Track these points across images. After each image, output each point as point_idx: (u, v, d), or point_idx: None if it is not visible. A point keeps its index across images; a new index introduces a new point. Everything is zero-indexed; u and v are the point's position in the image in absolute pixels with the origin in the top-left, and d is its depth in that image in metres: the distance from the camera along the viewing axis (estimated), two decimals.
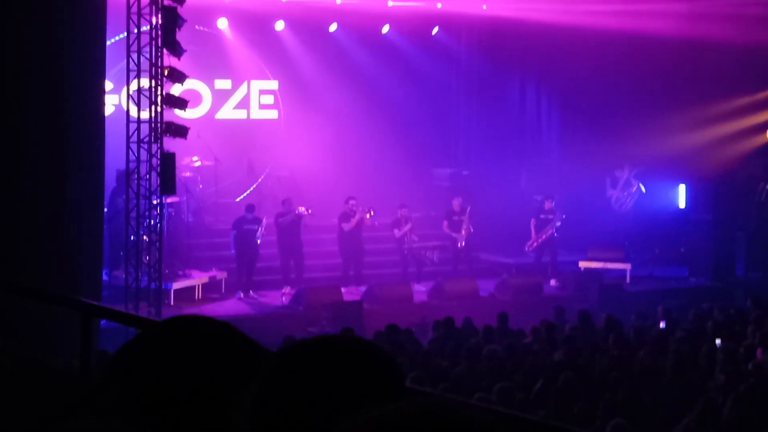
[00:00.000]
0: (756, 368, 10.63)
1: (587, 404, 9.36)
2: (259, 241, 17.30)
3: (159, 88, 13.99)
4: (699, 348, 11.55)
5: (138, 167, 13.96)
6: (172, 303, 16.08)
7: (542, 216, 19.37)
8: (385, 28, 21.55)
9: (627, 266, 19.37)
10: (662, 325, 13.86)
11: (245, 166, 20.04)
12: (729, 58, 20.25)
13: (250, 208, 17.44)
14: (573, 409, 9.27)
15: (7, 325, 9.50)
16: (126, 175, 14.21)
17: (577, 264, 19.39)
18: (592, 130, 21.58)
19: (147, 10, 13.92)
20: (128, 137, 13.97)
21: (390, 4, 21.21)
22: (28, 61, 11.51)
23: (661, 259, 20.46)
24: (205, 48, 19.68)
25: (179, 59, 14.39)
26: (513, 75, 22.57)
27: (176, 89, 14.90)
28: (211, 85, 20.44)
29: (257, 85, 21.09)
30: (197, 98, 19.63)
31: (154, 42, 13.91)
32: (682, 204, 21.13)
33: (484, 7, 21.55)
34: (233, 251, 17.33)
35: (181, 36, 14.19)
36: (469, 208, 19.04)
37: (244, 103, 21.05)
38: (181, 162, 16.98)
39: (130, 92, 14.23)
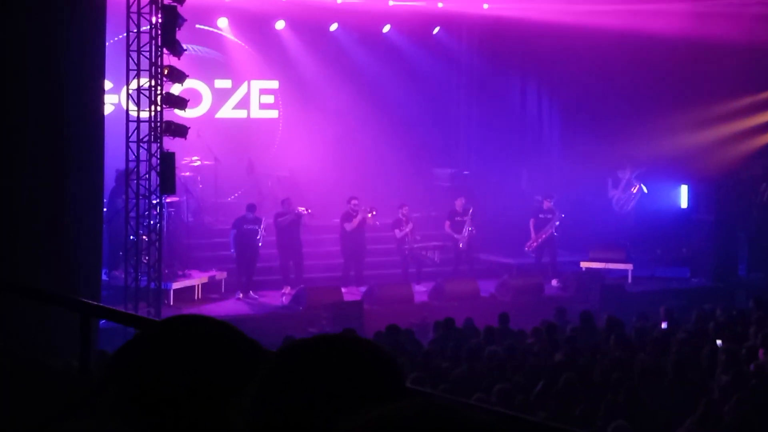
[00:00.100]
0: (758, 369, 10.59)
1: (588, 405, 9.33)
2: (260, 243, 17.27)
3: (159, 87, 13.97)
4: (701, 349, 11.51)
5: (138, 167, 13.94)
6: (171, 303, 16.06)
7: (541, 216, 19.35)
8: (386, 28, 21.53)
9: (629, 267, 19.34)
10: (664, 325, 13.83)
11: (245, 166, 20.00)
12: (731, 58, 20.23)
13: (251, 207, 17.39)
14: (574, 411, 9.23)
15: (6, 325, 9.47)
16: (125, 175, 14.18)
17: (579, 264, 19.36)
18: (593, 130, 21.54)
19: (147, 10, 13.90)
20: (128, 137, 13.95)
21: (391, 3, 21.18)
22: (27, 60, 11.48)
23: (663, 259, 20.42)
24: (205, 47, 19.66)
25: (179, 59, 14.37)
26: (514, 74, 22.55)
27: (176, 89, 14.88)
28: (211, 85, 20.43)
29: (257, 84, 21.08)
30: (197, 98, 19.61)
31: (154, 41, 13.89)
32: (684, 204, 21.09)
33: (486, 6, 21.52)
34: (233, 251, 17.29)
35: (181, 35, 14.16)
36: (471, 209, 19.00)
37: (244, 103, 21.03)
38: (181, 162, 16.96)
39: (130, 91, 14.20)
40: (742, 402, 9.10)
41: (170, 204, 16.99)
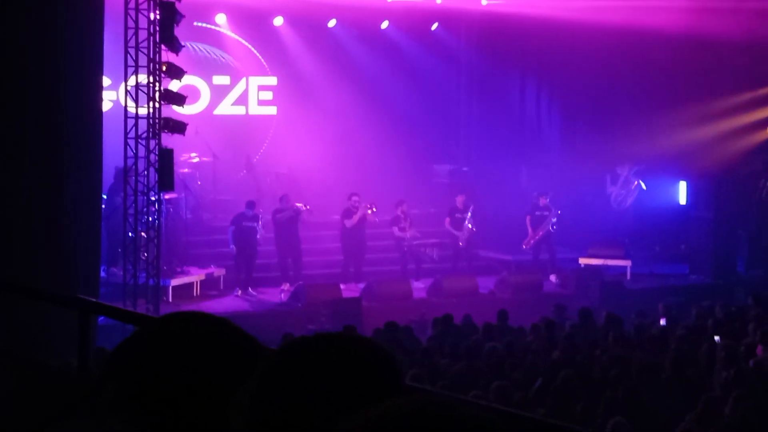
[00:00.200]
0: (757, 366, 10.59)
1: (587, 402, 9.32)
2: (259, 239, 17.24)
3: (157, 83, 13.95)
4: (699, 346, 11.51)
5: (136, 163, 13.92)
6: (170, 300, 16.03)
7: (537, 213, 19.35)
8: (385, 24, 21.50)
9: (627, 263, 19.34)
10: (663, 322, 13.82)
11: (244, 163, 19.98)
12: (730, 53, 20.20)
13: (250, 204, 17.35)
14: (573, 408, 9.22)
15: (4, 324, 9.45)
16: (124, 172, 14.16)
17: (578, 261, 19.36)
18: (592, 127, 21.54)
19: (145, 6, 13.88)
20: (126, 133, 13.92)
21: (389, 0, 21.15)
22: (25, 57, 11.43)
23: (662, 256, 20.42)
24: (203, 44, 19.63)
25: (177, 55, 14.35)
26: (513, 71, 22.52)
27: (174, 85, 14.84)
28: (209, 81, 20.40)
29: (256, 81, 21.05)
30: (195, 94, 19.59)
31: (152, 38, 13.87)
32: (683, 201, 21.07)
33: (484, 2, 21.49)
34: (233, 247, 17.25)
35: (179, 32, 14.14)
36: (472, 206, 18.97)
37: (242, 99, 21.01)
38: (179, 158, 16.94)
39: (128, 88, 14.18)
40: (742, 399, 9.09)
41: (169, 201, 16.98)
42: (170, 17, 13.71)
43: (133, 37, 13.87)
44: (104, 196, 14.98)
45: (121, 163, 14.18)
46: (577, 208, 20.27)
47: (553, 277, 18.90)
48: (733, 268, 19.62)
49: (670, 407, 9.49)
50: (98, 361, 8.01)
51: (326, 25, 21.11)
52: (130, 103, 14.10)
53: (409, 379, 8.38)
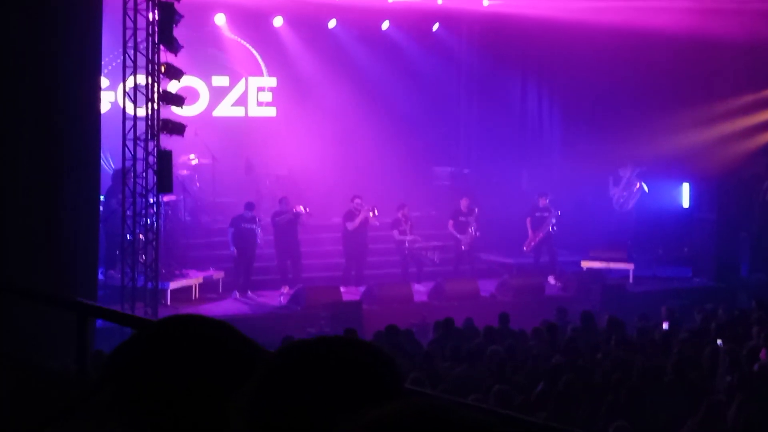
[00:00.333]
0: (761, 369, 10.51)
1: (589, 406, 9.26)
2: (258, 242, 17.19)
3: (156, 84, 13.89)
4: (702, 349, 11.44)
5: (134, 165, 13.85)
6: (168, 303, 15.98)
7: (537, 214, 19.32)
8: (385, 25, 21.46)
9: (630, 266, 19.29)
10: (665, 326, 13.75)
11: (243, 165, 19.92)
12: (733, 55, 20.17)
13: (249, 205, 17.29)
14: (575, 411, 9.16)
15: (3, 326, 9.38)
16: (122, 174, 14.09)
17: (579, 264, 19.30)
18: (594, 129, 21.48)
19: (144, 6, 13.81)
20: (124, 135, 13.86)
21: (390, 0, 21.10)
22: (23, 58, 11.39)
23: (665, 259, 20.36)
24: (202, 44, 19.57)
25: (176, 56, 14.28)
26: (514, 72, 22.49)
27: (173, 86, 14.77)
28: (208, 82, 20.38)
29: (255, 82, 21.01)
30: (194, 95, 19.55)
31: (150, 38, 13.80)
32: (685, 203, 21.04)
33: (485, 3, 21.43)
34: (233, 248, 17.18)
35: (178, 32, 14.07)
36: (476, 210, 18.90)
37: (241, 101, 20.97)
38: (178, 160, 16.90)
39: (127, 89, 14.10)
40: (745, 403, 9.02)
41: (167, 203, 16.94)
42: (169, 17, 13.65)
43: (132, 37, 13.80)
44: (102, 198, 14.92)
45: (120, 165, 14.10)
46: (579, 210, 20.23)
47: (551, 278, 18.80)
48: (737, 271, 19.57)
49: (672, 411, 9.43)
50: (96, 364, 7.95)
51: (326, 26, 21.07)
52: (129, 105, 14.03)
53: (409, 383, 8.31)
